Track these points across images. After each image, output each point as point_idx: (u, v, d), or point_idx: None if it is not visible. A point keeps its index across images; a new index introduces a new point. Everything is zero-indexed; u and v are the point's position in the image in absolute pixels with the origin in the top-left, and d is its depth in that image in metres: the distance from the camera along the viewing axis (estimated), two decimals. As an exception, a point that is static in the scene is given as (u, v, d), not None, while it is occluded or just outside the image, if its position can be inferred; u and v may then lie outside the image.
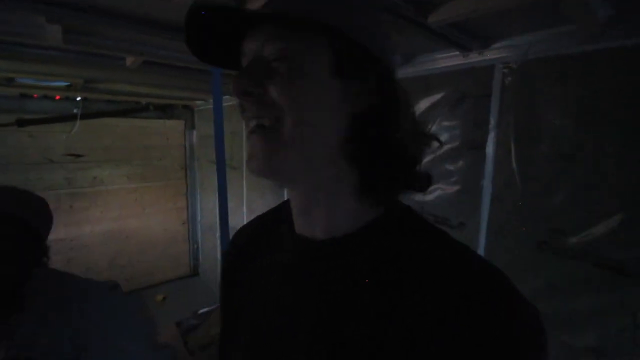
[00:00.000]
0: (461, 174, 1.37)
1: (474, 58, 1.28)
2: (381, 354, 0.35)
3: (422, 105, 1.46)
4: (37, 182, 2.94)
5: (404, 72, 1.50)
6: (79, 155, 3.11)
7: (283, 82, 0.37)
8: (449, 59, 1.36)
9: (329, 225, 0.42)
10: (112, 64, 1.63)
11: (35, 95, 2.76)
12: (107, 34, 1.27)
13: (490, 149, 1.28)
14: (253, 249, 0.52)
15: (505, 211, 1.25)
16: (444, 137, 1.41)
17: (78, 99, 2.89)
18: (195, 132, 3.78)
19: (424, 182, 0.43)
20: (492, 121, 1.26)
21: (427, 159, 1.46)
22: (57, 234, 3.08)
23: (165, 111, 3.51)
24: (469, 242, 1.38)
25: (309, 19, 0.35)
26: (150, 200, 3.63)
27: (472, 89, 1.32)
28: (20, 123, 2.68)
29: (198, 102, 3.49)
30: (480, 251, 1.32)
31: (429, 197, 1.45)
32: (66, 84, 2.21)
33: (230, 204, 1.95)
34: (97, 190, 3.30)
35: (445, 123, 1.40)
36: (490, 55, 1.24)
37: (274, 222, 0.52)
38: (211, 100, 1.72)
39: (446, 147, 1.40)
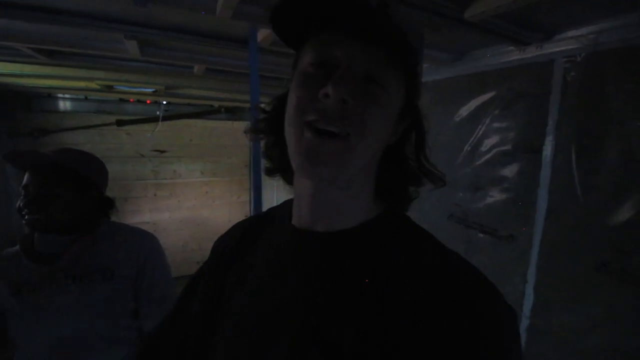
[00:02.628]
0: (513, 181, 1.24)
1: (532, 52, 1.15)
2: (364, 347, 0.36)
3: (472, 104, 1.36)
4: (131, 173, 3.47)
5: (453, 70, 1.41)
6: (163, 151, 3.58)
7: (377, 106, 0.39)
8: (502, 55, 1.24)
9: (334, 220, 0.45)
10: (183, 72, 1.86)
11: (131, 100, 3.26)
12: (174, 46, 1.46)
13: (547, 153, 1.13)
14: (247, 243, 0.55)
15: (562, 225, 1.10)
16: (494, 139, 1.29)
17: (164, 102, 3.33)
18: (258, 133, 4.04)
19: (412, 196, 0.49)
20: (551, 122, 1.12)
21: (477, 162, 1.36)
22: (143, 217, 3.60)
23: (234, 113, 3.82)
24: (519, 258, 1.26)
25: (415, 57, 0.38)
26: (218, 194, 3.99)
27: (528, 86, 1.19)
28: (119, 123, 3.20)
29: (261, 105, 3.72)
30: (532, 269, 1.18)
31: (476, 204, 1.34)
32: (152, 90, 2.57)
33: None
34: (176, 182, 3.76)
35: (496, 124, 1.28)
36: (550, 48, 1.10)
37: (270, 219, 0.55)
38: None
39: (496, 150, 1.28)
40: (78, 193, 1.01)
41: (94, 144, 3.20)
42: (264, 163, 0.55)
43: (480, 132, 1.31)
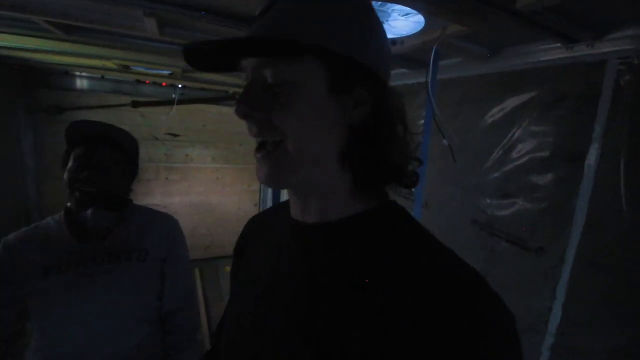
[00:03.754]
0: (549, 189, 1.16)
1: (581, 51, 1.04)
2: (344, 332, 0.36)
3: (507, 105, 1.26)
4: (144, 155, 3.43)
5: (488, 66, 1.31)
6: (176, 135, 3.56)
7: (283, 108, 0.39)
8: (546, 52, 1.14)
9: (320, 213, 0.45)
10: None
11: (147, 82, 3.23)
12: (194, 27, 1.40)
13: (591, 162, 1.04)
14: (261, 229, 0.59)
15: (602, 242, 1.01)
16: (531, 144, 1.20)
17: (179, 86, 3.29)
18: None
19: (411, 181, 0.46)
20: (598, 129, 1.02)
21: (509, 167, 1.28)
22: (154, 199, 3.61)
23: (249, 100, 3.77)
24: (548, 272, 1.18)
25: (296, 42, 0.37)
26: (229, 181, 3.98)
27: (574, 88, 1.09)
28: (135, 104, 3.18)
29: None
30: (562, 285, 1.10)
31: (503, 212, 1.26)
32: (168, 72, 2.52)
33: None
34: (188, 167, 3.75)
35: (534, 127, 1.19)
36: (602, 47, 1.00)
37: (283, 209, 0.56)
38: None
39: (531, 156, 1.19)
40: (126, 171, 1.03)
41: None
42: None
43: (515, 136, 1.22)
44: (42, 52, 1.96)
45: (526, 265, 1.19)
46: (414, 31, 1.16)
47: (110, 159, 0.96)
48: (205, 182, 3.87)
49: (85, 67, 2.65)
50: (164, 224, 1.08)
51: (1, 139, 2.66)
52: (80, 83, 3.11)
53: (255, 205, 4.18)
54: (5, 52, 2.10)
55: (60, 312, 0.87)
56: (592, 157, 1.04)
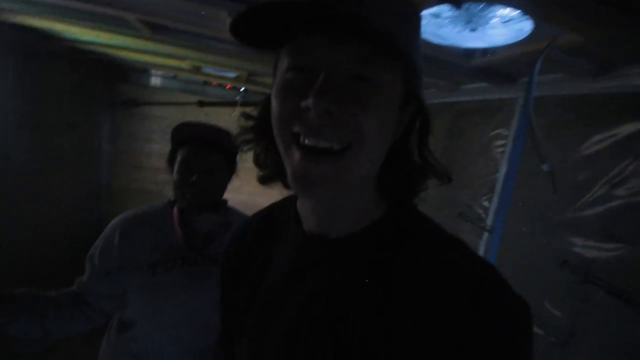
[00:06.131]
0: (669, 236, 0.95)
1: None
2: (379, 351, 0.35)
3: (620, 131, 1.07)
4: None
5: (598, 86, 1.13)
6: (234, 135, 3.69)
7: (373, 109, 0.35)
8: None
9: (344, 224, 0.43)
10: (270, 58, 1.82)
11: (213, 83, 3.39)
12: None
13: None
14: (260, 242, 0.54)
15: None
16: (647, 179, 1.00)
17: (242, 89, 3.41)
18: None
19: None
20: None
21: (612, 205, 1.07)
22: (207, 196, 3.76)
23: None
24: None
25: (403, 47, 0.33)
26: (277, 183, 4.02)
27: None
28: (201, 104, 3.36)
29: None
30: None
31: (605, 256, 1.06)
32: (234, 75, 2.61)
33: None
34: (242, 167, 3.84)
35: (656, 160, 0.99)
36: None
37: (280, 217, 0.53)
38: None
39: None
40: (225, 172, 1.04)
41: (175, 120, 3.32)
42: (257, 171, 0.52)
43: (629, 168, 1.03)
44: (127, 49, 2.12)
45: (631, 324, 0.98)
46: (512, 40, 1.04)
47: (213, 162, 0.98)
48: (255, 183, 3.83)
49: (162, 66, 2.83)
50: None
51: (85, 124, 2.94)
52: (155, 81, 3.35)
53: (301, 211, 4.17)
54: (94, 48, 2.31)
55: (161, 307, 0.89)
56: None
